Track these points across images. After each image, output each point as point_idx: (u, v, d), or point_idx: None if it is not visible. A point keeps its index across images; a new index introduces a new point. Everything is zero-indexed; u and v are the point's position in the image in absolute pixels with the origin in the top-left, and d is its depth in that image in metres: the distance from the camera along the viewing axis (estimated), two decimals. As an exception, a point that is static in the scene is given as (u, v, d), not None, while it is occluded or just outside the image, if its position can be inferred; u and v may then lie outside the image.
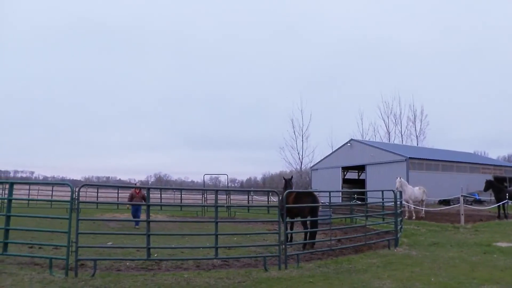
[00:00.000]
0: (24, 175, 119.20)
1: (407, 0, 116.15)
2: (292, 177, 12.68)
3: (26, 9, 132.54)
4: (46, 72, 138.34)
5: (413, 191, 21.18)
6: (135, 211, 16.61)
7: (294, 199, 10.71)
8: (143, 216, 16.11)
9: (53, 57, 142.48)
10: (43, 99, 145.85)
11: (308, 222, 10.81)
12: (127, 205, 17.34)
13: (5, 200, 10.90)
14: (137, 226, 15.47)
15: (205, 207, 23.88)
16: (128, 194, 17.62)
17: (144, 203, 14.83)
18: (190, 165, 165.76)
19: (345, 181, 47.76)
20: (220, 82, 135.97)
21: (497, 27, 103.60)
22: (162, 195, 31.60)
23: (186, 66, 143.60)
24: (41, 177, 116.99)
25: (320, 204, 13.24)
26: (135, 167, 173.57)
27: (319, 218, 11.76)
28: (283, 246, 8.34)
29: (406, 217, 19.38)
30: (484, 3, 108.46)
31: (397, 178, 20.89)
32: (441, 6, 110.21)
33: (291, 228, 11.21)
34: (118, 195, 27.96)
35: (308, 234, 10.66)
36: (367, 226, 11.84)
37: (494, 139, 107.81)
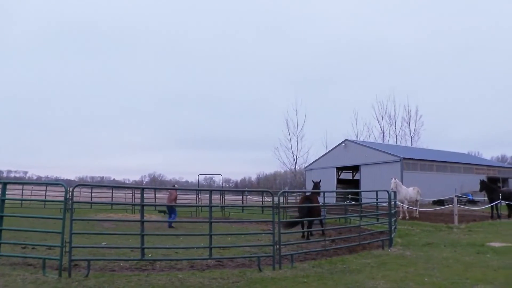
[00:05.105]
0: (17, 175, 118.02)
1: (401, 0, 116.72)
2: (320, 180, 13.79)
3: (24, 10, 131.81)
4: (40, 72, 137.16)
5: (408, 192, 21.28)
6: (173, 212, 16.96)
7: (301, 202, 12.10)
8: (137, 217, 16.05)
9: (47, 58, 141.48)
10: (36, 99, 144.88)
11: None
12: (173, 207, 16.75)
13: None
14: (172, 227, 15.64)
15: (199, 207, 23.83)
16: (171, 194, 17.33)
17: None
18: (185, 165, 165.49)
19: (340, 182, 47.85)
20: (215, 82, 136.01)
21: (491, 27, 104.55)
22: (156, 195, 31.49)
23: (181, 66, 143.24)
24: (34, 177, 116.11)
25: (319, 205, 13.61)
26: (129, 167, 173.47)
27: (316, 218, 12.59)
28: (277, 246, 8.34)
29: (400, 217, 19.46)
30: (479, 3, 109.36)
31: (392, 179, 20.95)
32: (435, 6, 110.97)
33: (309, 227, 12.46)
34: (112, 195, 27.83)
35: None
36: (361, 227, 11.88)
37: (488, 140, 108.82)
